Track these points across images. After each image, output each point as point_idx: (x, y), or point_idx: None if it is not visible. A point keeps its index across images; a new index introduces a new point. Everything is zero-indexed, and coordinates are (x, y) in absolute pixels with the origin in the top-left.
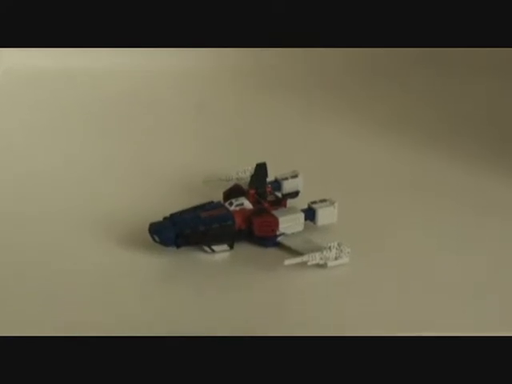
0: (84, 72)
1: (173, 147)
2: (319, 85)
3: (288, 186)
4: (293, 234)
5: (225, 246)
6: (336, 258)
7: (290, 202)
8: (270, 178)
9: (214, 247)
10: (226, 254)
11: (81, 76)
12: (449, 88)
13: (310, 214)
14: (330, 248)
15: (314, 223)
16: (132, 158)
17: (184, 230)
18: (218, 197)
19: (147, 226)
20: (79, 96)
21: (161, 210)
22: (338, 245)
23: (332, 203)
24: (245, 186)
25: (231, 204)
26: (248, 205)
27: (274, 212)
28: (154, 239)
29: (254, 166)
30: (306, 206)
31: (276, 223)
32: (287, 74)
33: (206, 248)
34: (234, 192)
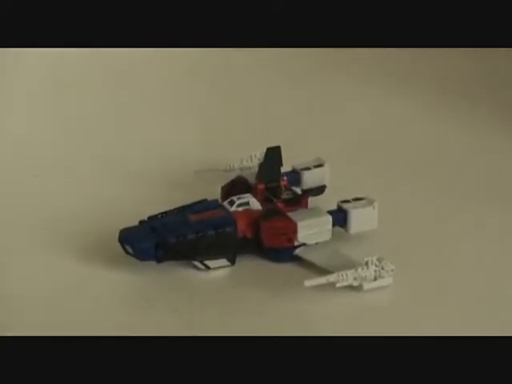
0: (63, 54)
1: (154, 129)
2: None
3: (310, 179)
4: (316, 244)
5: (223, 261)
6: (375, 279)
7: (312, 201)
8: (286, 167)
9: (209, 262)
10: (224, 272)
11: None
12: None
13: (340, 217)
14: (366, 264)
15: (346, 230)
16: (100, 145)
17: (167, 239)
18: (214, 193)
19: (117, 233)
20: (51, 79)
21: (136, 212)
22: (378, 260)
23: (370, 203)
24: (251, 179)
25: (232, 203)
26: (255, 204)
27: (291, 214)
28: (126, 251)
29: (264, 151)
30: (334, 207)
31: (293, 229)
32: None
33: (198, 263)
34: (236, 187)
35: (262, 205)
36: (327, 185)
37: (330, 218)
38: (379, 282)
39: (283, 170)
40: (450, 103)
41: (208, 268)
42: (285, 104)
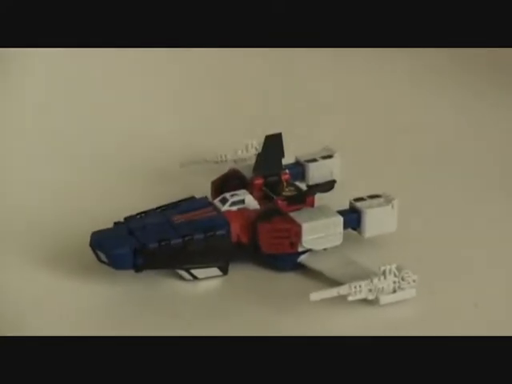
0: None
1: (134, 116)
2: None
3: (317, 173)
4: (325, 250)
5: (214, 270)
6: (394, 291)
7: (319, 199)
8: (288, 158)
9: (197, 272)
10: (215, 283)
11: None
12: None
13: (352, 218)
14: (384, 274)
15: (360, 233)
16: (73, 136)
17: (147, 244)
18: (203, 189)
19: (88, 236)
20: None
21: (112, 211)
22: (398, 269)
23: (389, 201)
24: (247, 173)
25: (225, 201)
26: (252, 202)
27: (294, 214)
28: (98, 258)
29: (262, 139)
30: (346, 206)
31: (297, 233)
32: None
33: (184, 273)
34: (229, 182)
35: (259, 203)
36: (337, 179)
37: (340, 219)
38: (399, 295)
39: (285, 161)
40: (475, 95)
41: (196, 278)
42: (287, 92)
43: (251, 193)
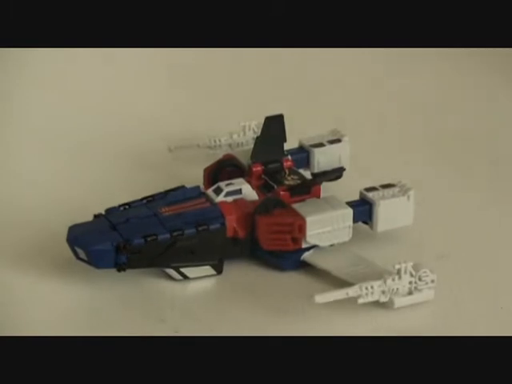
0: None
1: (116, 95)
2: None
3: (323, 159)
4: (332, 246)
5: (207, 269)
6: (410, 292)
7: (326, 188)
8: (291, 143)
9: (188, 271)
10: (208, 284)
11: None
12: None
13: (363, 210)
14: (398, 273)
15: (372, 227)
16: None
17: (131, 240)
18: (195, 178)
19: (65, 231)
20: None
21: (92, 203)
22: (415, 268)
23: (404, 191)
24: (244, 159)
25: (219, 191)
26: (249, 193)
27: (297, 206)
28: (76, 255)
29: (262, 121)
30: (356, 197)
31: (300, 227)
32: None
33: (173, 272)
34: (223, 169)
35: (258, 194)
36: (346, 167)
37: (350, 212)
38: (416, 297)
39: (287, 146)
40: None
41: (186, 278)
42: (290, 73)
43: (249, 182)
